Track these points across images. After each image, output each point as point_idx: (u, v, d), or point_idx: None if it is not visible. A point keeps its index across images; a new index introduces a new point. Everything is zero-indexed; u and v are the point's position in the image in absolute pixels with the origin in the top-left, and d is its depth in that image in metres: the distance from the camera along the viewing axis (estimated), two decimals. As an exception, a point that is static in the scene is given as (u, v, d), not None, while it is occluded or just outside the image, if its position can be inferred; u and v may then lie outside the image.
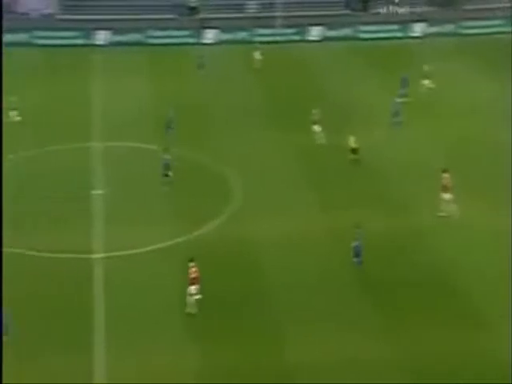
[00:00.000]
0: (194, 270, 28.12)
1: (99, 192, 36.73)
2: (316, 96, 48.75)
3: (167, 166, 36.96)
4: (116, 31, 60.68)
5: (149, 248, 32.02)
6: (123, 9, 62.59)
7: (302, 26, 62.66)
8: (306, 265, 31.21)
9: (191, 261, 28.37)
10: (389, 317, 28.03)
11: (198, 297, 27.98)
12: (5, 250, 31.70)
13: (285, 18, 63.07)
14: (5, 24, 59.50)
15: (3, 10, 60.33)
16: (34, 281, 30.04)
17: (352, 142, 40.07)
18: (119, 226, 33.65)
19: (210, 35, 61.95)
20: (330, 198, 36.48)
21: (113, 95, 49.63)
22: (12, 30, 59.11)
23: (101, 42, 60.57)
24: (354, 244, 30.75)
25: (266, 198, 36.45)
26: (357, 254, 30.76)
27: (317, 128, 42.46)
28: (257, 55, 55.19)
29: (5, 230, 33.11)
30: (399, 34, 63.11)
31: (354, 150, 39.96)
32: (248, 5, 63.83)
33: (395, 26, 63.51)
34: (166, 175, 36.88)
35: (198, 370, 25.45)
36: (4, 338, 25.98)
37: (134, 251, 31.87)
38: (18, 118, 43.95)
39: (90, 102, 48.49)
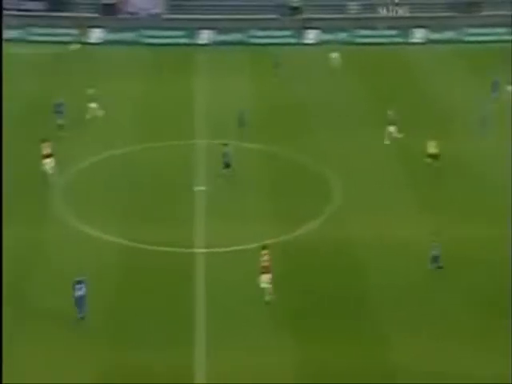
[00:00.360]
0: (266, 258, 28.23)
1: (201, 188, 37.66)
2: (404, 99, 48.37)
3: (227, 161, 37.79)
4: (219, 31, 61.79)
5: (249, 246, 32.54)
6: (227, 8, 63.60)
7: (405, 28, 62.16)
8: (400, 267, 31.27)
9: (264, 248, 28.59)
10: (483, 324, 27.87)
11: (268, 286, 28.35)
12: (111, 240, 33.01)
13: (388, 19, 62.74)
14: (115, 24, 61.60)
15: (115, 10, 62.49)
16: (137, 272, 31.11)
17: (432, 146, 39.07)
18: (220, 223, 34.41)
19: (311, 35, 62.30)
20: (416, 200, 36.40)
21: (215, 93, 50.58)
22: (121, 29, 61.24)
23: (204, 42, 61.80)
24: (432, 250, 30.91)
25: (363, 199, 36.63)
26: (435, 260, 30.88)
27: (393, 129, 42.21)
28: (335, 56, 55.27)
29: (111, 222, 34.45)
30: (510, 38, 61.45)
31: (433, 155, 38.86)
32: (350, 5, 63.80)
33: (506, 29, 61.91)
34: (227, 166, 37.75)
35: (298, 369, 25.81)
36: (79, 315, 27.18)
37: (234, 248, 32.54)
38: (101, 112, 44.78)
39: (192, 100, 49.57)
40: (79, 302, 27.22)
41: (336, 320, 28.09)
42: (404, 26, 62.18)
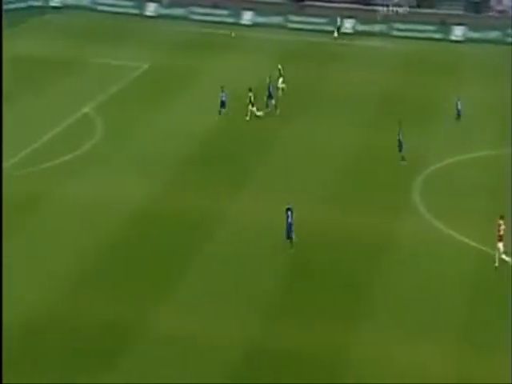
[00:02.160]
0: (502, 227, 30.51)
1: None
2: None
3: None
4: None
5: None
6: None
7: None
8: None
9: (501, 218, 30.47)
10: None
11: (504, 256, 30.20)
12: (466, 241, 32.40)
13: None
14: (478, 21, 60.22)
15: (480, 7, 61.12)
16: (490, 279, 30.35)
17: None
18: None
19: None
20: None
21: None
22: (485, 28, 59.63)
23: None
24: None
25: None
26: None
27: None
28: None
29: (468, 224, 33.45)
30: None
31: None
32: None
33: None
34: None
35: None
36: (287, 239, 30.09)
37: None
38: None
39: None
40: (289, 227, 31.62)
41: None
42: None
